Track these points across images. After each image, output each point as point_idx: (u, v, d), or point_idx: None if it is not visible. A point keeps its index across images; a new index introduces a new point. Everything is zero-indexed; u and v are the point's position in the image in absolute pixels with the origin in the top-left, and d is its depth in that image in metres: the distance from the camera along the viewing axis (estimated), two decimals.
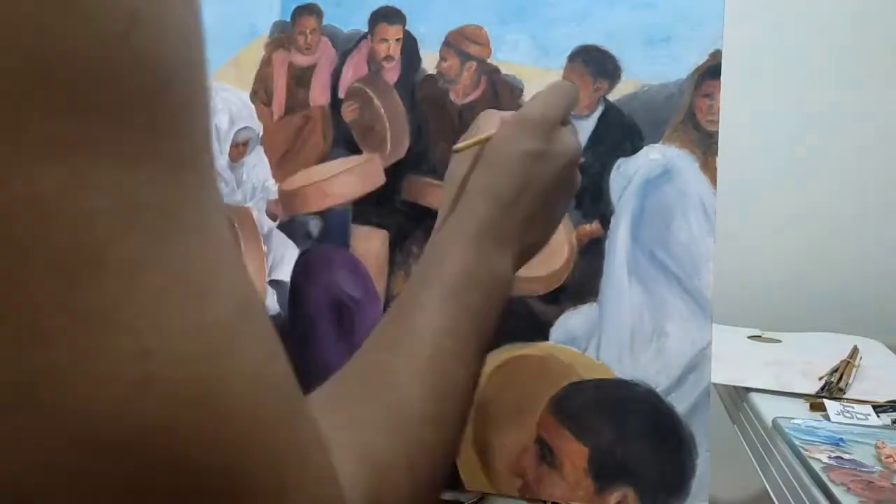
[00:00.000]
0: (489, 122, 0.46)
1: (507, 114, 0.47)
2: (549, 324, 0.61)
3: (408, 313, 0.38)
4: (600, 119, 0.62)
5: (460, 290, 0.39)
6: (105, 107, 0.18)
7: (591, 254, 0.61)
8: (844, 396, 0.77)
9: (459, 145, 0.45)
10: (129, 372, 0.18)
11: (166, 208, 0.20)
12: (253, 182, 0.71)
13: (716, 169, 0.59)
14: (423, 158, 0.66)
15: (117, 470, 0.19)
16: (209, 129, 0.22)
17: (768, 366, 0.85)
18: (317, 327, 0.67)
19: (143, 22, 0.18)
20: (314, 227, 0.69)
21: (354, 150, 0.68)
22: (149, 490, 0.19)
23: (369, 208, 0.67)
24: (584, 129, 0.62)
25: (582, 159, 0.51)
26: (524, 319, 0.62)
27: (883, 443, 0.63)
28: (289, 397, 0.24)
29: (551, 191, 0.44)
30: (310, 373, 0.70)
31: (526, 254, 0.45)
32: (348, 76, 0.68)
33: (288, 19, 0.70)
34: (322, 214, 0.68)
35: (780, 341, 0.99)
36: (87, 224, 0.18)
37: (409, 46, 0.67)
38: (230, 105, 0.72)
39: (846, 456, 0.60)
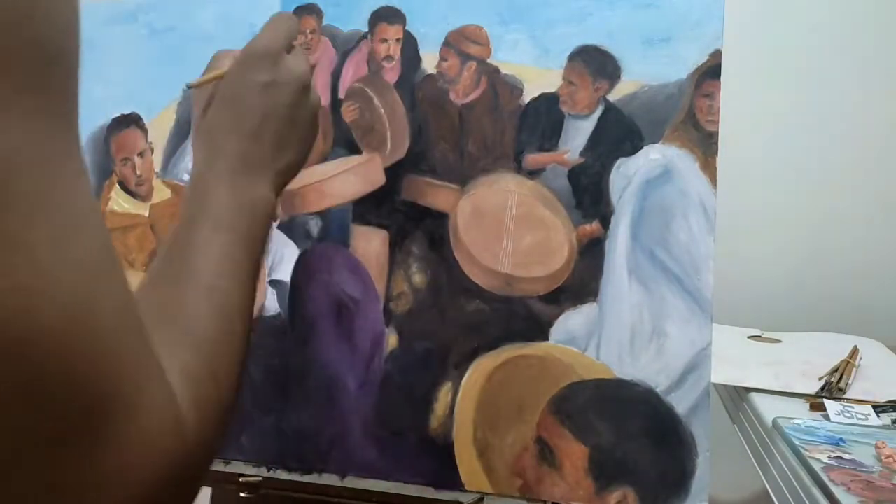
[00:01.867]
0: (222, 62, 0.49)
1: (234, 52, 0.50)
2: (549, 324, 0.61)
3: (182, 249, 0.42)
4: (600, 119, 0.62)
5: (228, 221, 0.43)
6: (15, 72, 0.23)
7: (591, 254, 0.61)
8: (844, 396, 0.77)
9: (193, 82, 0.49)
10: (26, 284, 0.22)
11: (59, 154, 0.25)
12: None
13: (716, 169, 0.59)
14: (423, 158, 0.66)
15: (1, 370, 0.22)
16: (78, 94, 0.27)
17: (768, 366, 0.85)
18: (317, 327, 0.67)
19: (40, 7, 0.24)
20: (314, 226, 0.69)
21: (354, 150, 0.68)
22: (28, 392, 0.23)
23: (369, 208, 0.67)
24: (584, 129, 0.62)
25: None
26: (524, 319, 0.62)
27: (883, 443, 0.63)
28: (141, 326, 0.28)
29: (291, 114, 0.48)
30: (310, 372, 0.70)
31: (284, 175, 0.49)
32: (348, 76, 0.68)
33: None
34: (322, 214, 0.68)
35: (780, 341, 0.99)
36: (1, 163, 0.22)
37: (409, 46, 0.67)
38: None
39: (846, 456, 0.60)
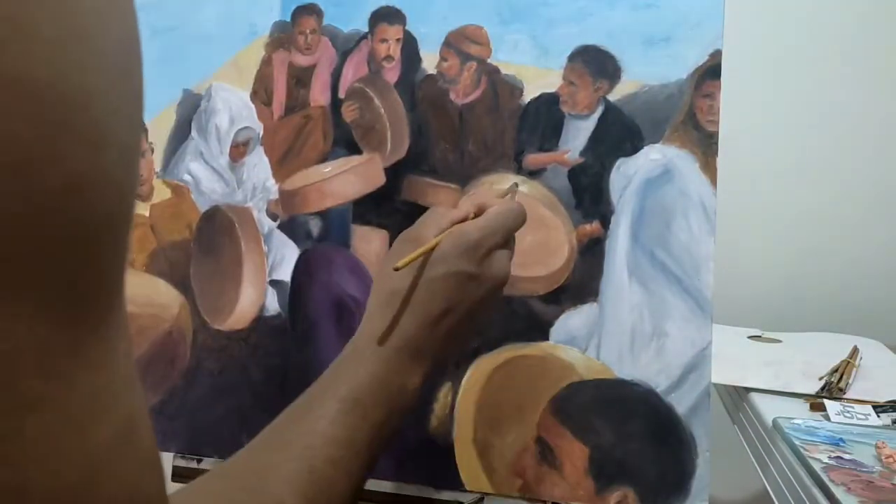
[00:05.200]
0: (432, 223, 0.46)
1: (448, 219, 0.47)
2: (549, 324, 0.61)
3: (305, 414, 0.39)
4: (600, 119, 0.62)
5: (365, 403, 0.40)
6: (27, 257, 0.18)
7: (592, 254, 0.61)
8: (844, 396, 0.77)
9: (401, 262, 0.43)
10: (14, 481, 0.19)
11: (68, 349, 0.20)
12: (253, 182, 0.71)
13: (716, 169, 0.59)
14: (423, 158, 0.66)
15: None
16: (124, 270, 0.22)
17: (768, 366, 0.85)
18: (317, 327, 0.67)
19: (80, 185, 0.19)
20: (314, 227, 0.69)
21: (354, 150, 0.68)
22: None
23: (369, 208, 0.67)
24: (584, 129, 0.62)
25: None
26: (524, 319, 0.62)
27: (883, 443, 0.63)
28: None
29: (476, 310, 0.45)
30: (310, 372, 0.70)
31: (439, 365, 0.46)
32: (348, 76, 0.68)
33: (288, 19, 0.70)
34: (322, 214, 0.68)
35: (780, 341, 0.99)
36: None
37: (409, 46, 0.67)
38: (230, 105, 0.72)
39: (846, 456, 0.60)
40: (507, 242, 0.48)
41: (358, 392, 0.40)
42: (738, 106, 1.09)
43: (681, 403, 0.58)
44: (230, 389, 0.68)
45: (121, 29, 0.21)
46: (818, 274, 1.19)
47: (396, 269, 0.43)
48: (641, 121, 0.61)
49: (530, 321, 0.62)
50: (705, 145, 0.59)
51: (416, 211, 0.65)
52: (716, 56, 0.59)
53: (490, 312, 0.49)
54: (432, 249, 0.45)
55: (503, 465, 0.61)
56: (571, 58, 0.62)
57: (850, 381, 0.80)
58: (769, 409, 0.73)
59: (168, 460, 0.68)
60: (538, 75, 0.63)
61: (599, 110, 0.62)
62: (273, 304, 0.69)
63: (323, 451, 0.37)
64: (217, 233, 0.71)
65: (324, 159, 0.68)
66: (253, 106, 0.71)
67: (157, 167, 0.74)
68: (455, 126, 0.65)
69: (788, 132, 1.19)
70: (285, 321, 0.68)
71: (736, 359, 0.87)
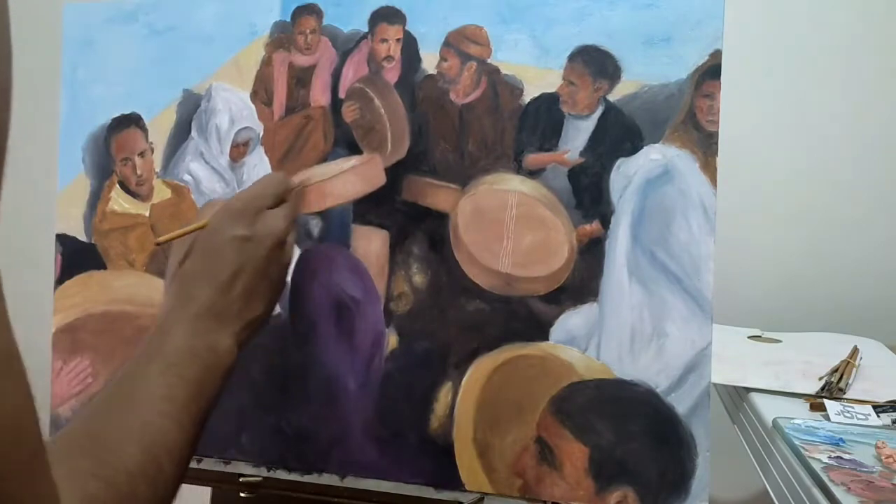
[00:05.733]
0: (205, 212, 0.51)
1: (221, 203, 0.53)
2: (549, 324, 0.61)
3: (129, 382, 0.44)
4: (600, 119, 0.62)
5: (179, 363, 0.45)
6: None
7: (592, 254, 0.61)
8: (844, 396, 0.77)
9: (162, 238, 0.52)
10: None
11: None
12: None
13: (716, 169, 0.59)
14: (423, 158, 0.66)
15: None
16: None
17: (768, 366, 0.85)
18: (317, 327, 0.67)
19: None
20: (314, 226, 0.69)
21: (355, 150, 0.68)
22: None
23: (369, 208, 0.67)
24: (584, 129, 0.62)
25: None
26: (524, 319, 0.62)
27: (883, 443, 0.63)
28: (30, 450, 0.26)
29: (263, 269, 0.51)
30: (310, 372, 0.70)
31: (250, 326, 0.51)
32: (348, 76, 0.68)
33: (288, 19, 0.70)
34: (322, 214, 0.68)
35: (780, 341, 0.99)
36: None
37: (409, 46, 0.67)
38: (230, 105, 0.72)
39: (846, 456, 0.60)
40: (278, 203, 0.54)
41: (170, 356, 0.45)
42: (738, 106, 1.09)
43: (681, 403, 0.58)
44: (230, 389, 0.68)
45: None
46: (818, 274, 1.19)
47: (157, 245, 0.51)
48: (641, 121, 0.61)
49: (530, 321, 0.62)
50: (705, 145, 0.59)
51: (417, 211, 0.65)
52: (716, 56, 0.59)
53: (279, 270, 0.53)
54: (202, 227, 0.51)
55: (503, 465, 0.61)
56: (571, 58, 0.62)
57: (850, 381, 0.80)
58: (769, 409, 0.73)
59: None
60: (538, 75, 0.63)
61: (599, 110, 0.62)
62: None
63: (152, 406, 0.42)
64: None
65: (324, 159, 0.68)
66: (253, 106, 0.71)
67: (157, 167, 0.74)
68: (455, 126, 0.65)
69: (788, 132, 1.19)
70: (285, 321, 0.68)
71: (736, 359, 0.87)
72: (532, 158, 0.63)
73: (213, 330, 0.47)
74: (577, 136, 0.62)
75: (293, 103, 0.70)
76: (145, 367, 0.44)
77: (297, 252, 0.68)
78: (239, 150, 0.71)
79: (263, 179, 0.55)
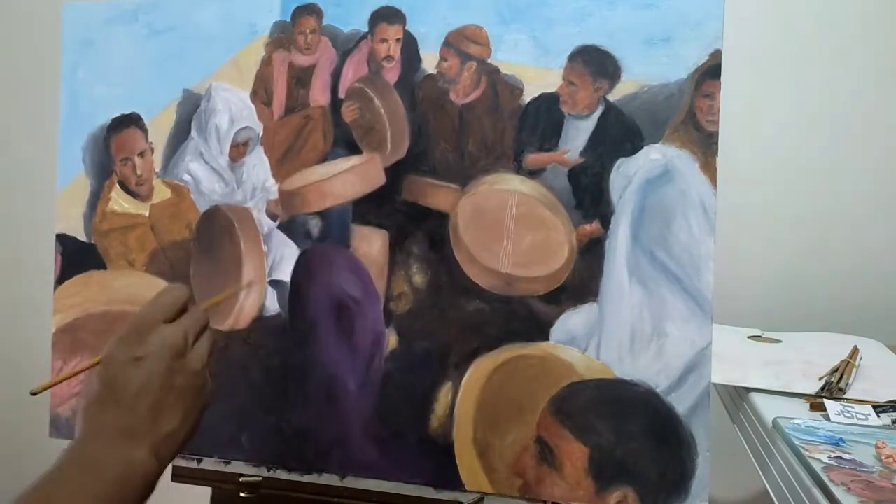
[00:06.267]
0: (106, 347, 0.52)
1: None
2: (549, 324, 0.61)
3: (55, 486, 0.45)
4: (600, 119, 0.62)
5: (93, 471, 0.46)
6: None
7: (592, 254, 0.61)
8: (844, 396, 0.77)
9: (37, 388, 0.52)
10: None
11: None
12: (253, 182, 0.71)
13: (716, 169, 0.59)
14: (423, 158, 0.66)
15: None
16: None
17: (768, 366, 0.85)
18: (317, 327, 0.67)
19: None
20: (314, 227, 0.69)
21: (354, 150, 0.68)
22: None
23: (369, 208, 0.67)
24: (584, 129, 0.62)
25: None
26: (524, 319, 0.62)
27: (883, 443, 0.63)
28: None
29: (166, 383, 0.50)
30: (310, 372, 0.70)
31: (168, 441, 0.50)
32: (348, 76, 0.68)
33: (288, 19, 0.70)
34: (322, 214, 0.68)
35: (780, 341, 0.99)
36: None
37: (409, 46, 0.67)
38: (230, 105, 0.72)
39: (846, 456, 0.60)
40: (178, 315, 0.53)
41: (83, 477, 0.46)
42: (738, 106, 1.09)
43: (681, 403, 0.58)
44: (230, 389, 0.68)
45: None
46: (818, 274, 1.19)
47: (33, 394, 0.51)
48: (641, 121, 0.61)
49: (530, 321, 0.62)
50: (705, 145, 0.59)
51: (417, 211, 0.65)
52: (716, 56, 0.59)
53: (191, 378, 0.52)
54: (96, 364, 0.51)
55: (503, 465, 0.61)
56: (571, 58, 0.62)
57: (850, 381, 0.80)
58: (769, 409, 0.73)
59: None
60: (538, 75, 0.63)
61: (599, 110, 0.62)
62: (273, 304, 0.69)
63: None
64: (217, 233, 0.71)
65: (324, 159, 0.68)
66: (253, 106, 0.71)
67: (157, 167, 0.74)
68: (455, 126, 0.65)
69: (788, 132, 1.19)
70: (285, 321, 0.68)
71: (736, 359, 0.87)
72: (532, 158, 0.63)
73: (126, 446, 0.48)
74: (577, 136, 0.62)
75: (293, 103, 0.70)
76: (60, 486, 0.45)
77: (296, 252, 0.68)
78: (238, 150, 0.71)
79: (158, 294, 0.54)
